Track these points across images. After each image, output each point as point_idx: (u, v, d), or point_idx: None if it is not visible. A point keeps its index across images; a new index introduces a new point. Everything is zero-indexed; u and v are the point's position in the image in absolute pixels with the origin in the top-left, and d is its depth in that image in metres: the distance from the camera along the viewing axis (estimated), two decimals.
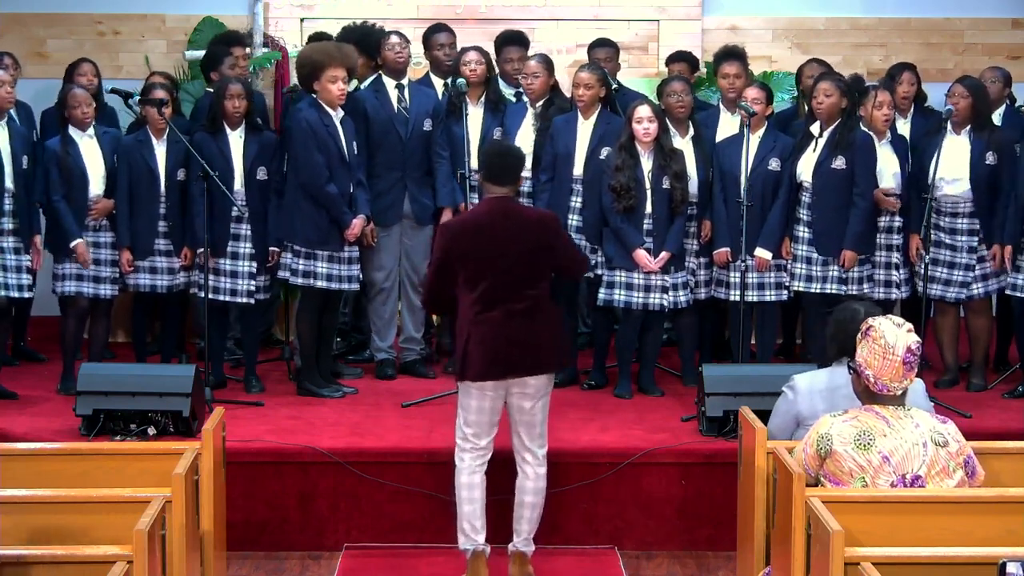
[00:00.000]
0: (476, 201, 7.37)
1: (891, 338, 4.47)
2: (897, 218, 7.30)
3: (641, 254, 7.01)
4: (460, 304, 5.48)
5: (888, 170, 7.22)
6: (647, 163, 7.03)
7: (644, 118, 6.98)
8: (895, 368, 4.46)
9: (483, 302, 5.40)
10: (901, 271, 7.32)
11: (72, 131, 7.15)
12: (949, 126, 7.18)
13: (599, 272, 7.18)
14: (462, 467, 5.54)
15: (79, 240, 7.09)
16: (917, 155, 7.36)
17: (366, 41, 7.79)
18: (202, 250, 7.06)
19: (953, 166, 7.18)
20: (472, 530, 5.52)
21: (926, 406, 4.90)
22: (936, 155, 7.00)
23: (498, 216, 5.45)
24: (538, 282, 5.48)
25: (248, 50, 8.41)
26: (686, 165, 7.11)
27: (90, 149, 7.19)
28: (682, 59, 8.34)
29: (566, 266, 5.71)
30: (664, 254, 7.03)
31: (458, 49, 7.77)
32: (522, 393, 5.47)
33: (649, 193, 7.02)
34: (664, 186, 7.01)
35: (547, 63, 7.54)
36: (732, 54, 7.74)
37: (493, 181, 5.51)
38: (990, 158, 7.19)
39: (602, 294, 7.13)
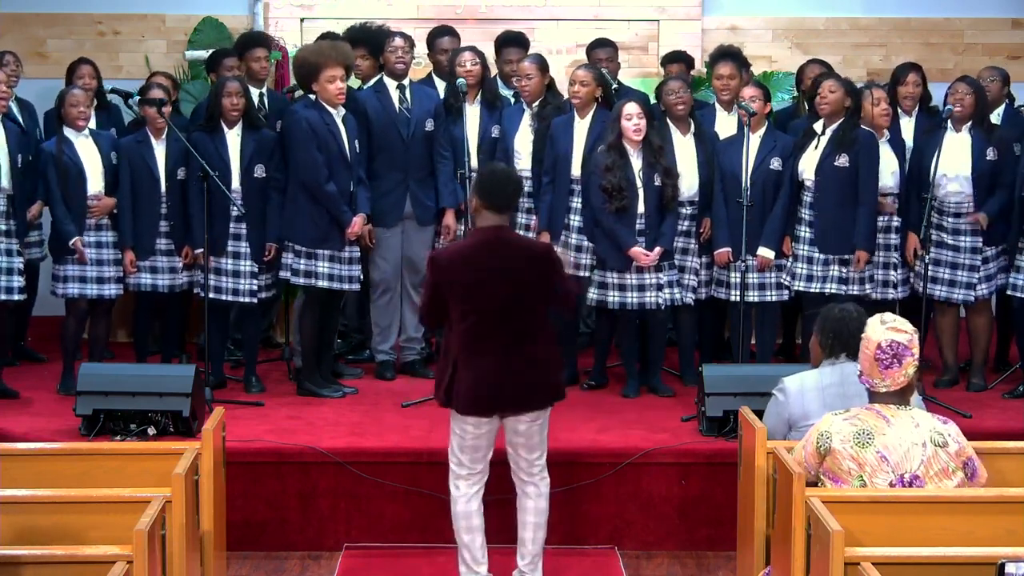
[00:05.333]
0: None
1: (870, 332, 4.53)
2: (895, 218, 7.31)
3: (636, 251, 6.99)
4: (449, 329, 5.30)
5: (887, 169, 7.21)
6: (637, 162, 7.01)
7: (633, 115, 6.97)
8: (870, 363, 4.50)
9: (473, 334, 5.21)
10: (898, 271, 7.32)
11: (68, 131, 7.14)
12: (950, 124, 7.18)
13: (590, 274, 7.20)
14: (458, 496, 5.39)
15: (77, 237, 7.07)
16: (917, 154, 7.36)
17: (371, 42, 7.79)
18: (201, 250, 7.06)
19: (954, 164, 7.18)
20: (473, 561, 5.39)
21: (915, 400, 4.92)
22: (936, 154, 7.01)
23: (489, 247, 5.24)
24: (531, 315, 5.26)
25: (267, 52, 8.34)
26: (676, 161, 7.10)
27: (87, 148, 7.18)
28: (678, 59, 8.32)
29: (559, 301, 5.42)
30: (658, 249, 7.01)
31: None
32: (516, 424, 5.33)
33: (641, 192, 7.00)
34: (655, 183, 7.00)
35: (540, 63, 7.53)
36: (727, 54, 7.73)
37: (492, 208, 5.26)
38: (991, 154, 7.19)
39: (593, 294, 7.12)
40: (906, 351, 4.49)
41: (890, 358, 4.47)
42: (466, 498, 5.38)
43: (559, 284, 5.37)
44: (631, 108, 7.00)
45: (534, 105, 7.46)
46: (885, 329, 4.50)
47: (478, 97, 7.62)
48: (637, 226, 7.03)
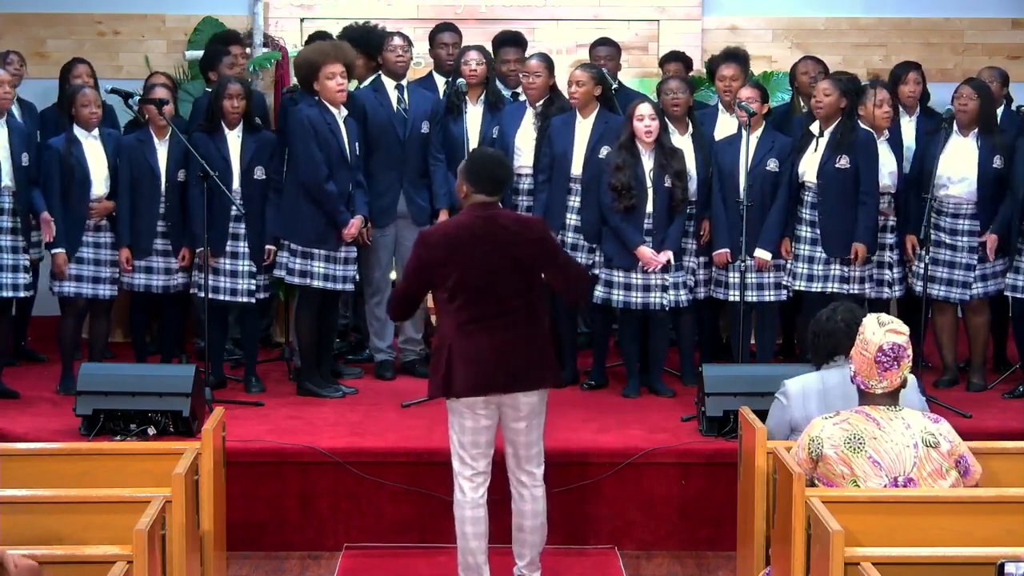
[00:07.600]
0: None
1: (869, 334, 4.50)
2: (891, 217, 7.31)
3: (644, 250, 7.00)
4: (441, 317, 5.26)
5: (884, 169, 7.21)
6: (648, 162, 7.02)
7: (645, 115, 6.98)
8: (868, 365, 4.48)
9: (466, 315, 5.14)
10: (894, 270, 7.32)
11: (77, 131, 7.14)
12: (955, 127, 7.18)
13: (597, 272, 7.19)
14: (464, 500, 5.29)
15: (59, 250, 7.07)
16: (920, 155, 7.36)
17: (367, 41, 7.79)
18: (201, 249, 7.05)
19: (959, 167, 7.18)
20: (477, 566, 5.35)
21: (919, 402, 4.91)
22: (939, 156, 7.00)
23: (479, 224, 5.17)
24: (526, 292, 5.20)
25: (248, 50, 8.40)
26: (686, 164, 7.11)
27: (94, 149, 7.18)
28: (676, 59, 8.31)
29: (563, 285, 5.43)
30: (666, 252, 7.02)
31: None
32: (515, 415, 5.26)
33: (650, 192, 7.02)
34: (665, 184, 7.01)
35: (547, 62, 7.52)
36: (732, 56, 7.73)
37: (482, 192, 5.21)
38: (997, 162, 7.18)
39: (599, 291, 7.12)
40: (904, 352, 4.49)
41: (891, 360, 4.47)
42: (472, 503, 5.30)
43: (562, 266, 5.34)
44: (643, 109, 7.00)
45: (538, 104, 7.45)
46: (885, 332, 4.48)
47: (481, 97, 7.61)
48: (645, 226, 7.04)
